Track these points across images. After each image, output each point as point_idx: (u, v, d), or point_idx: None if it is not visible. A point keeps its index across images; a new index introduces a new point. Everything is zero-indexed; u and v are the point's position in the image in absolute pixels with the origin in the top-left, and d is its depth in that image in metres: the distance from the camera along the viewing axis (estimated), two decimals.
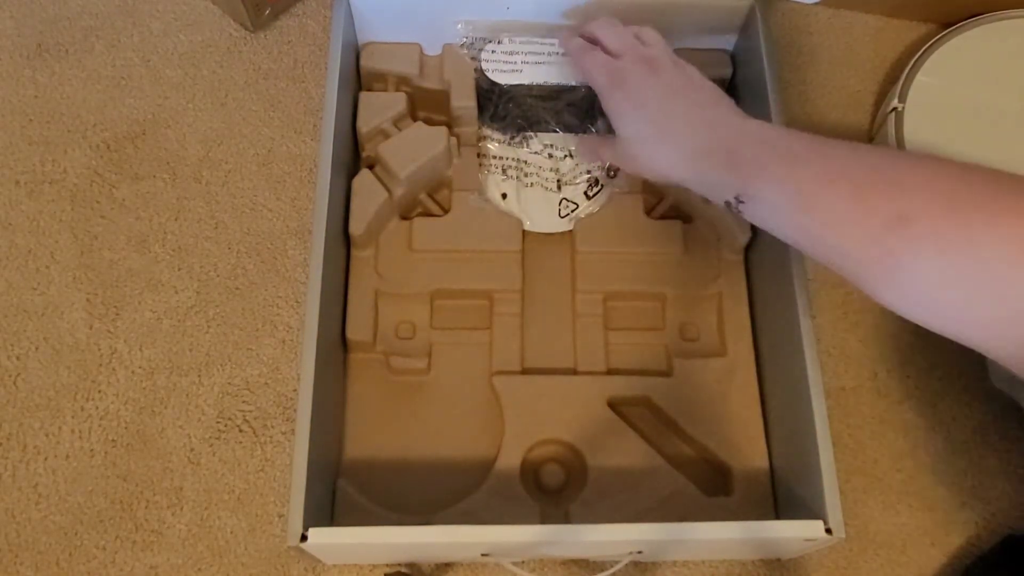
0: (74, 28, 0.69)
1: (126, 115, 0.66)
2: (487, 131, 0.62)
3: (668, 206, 0.61)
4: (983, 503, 0.57)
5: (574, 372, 0.56)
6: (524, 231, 0.59)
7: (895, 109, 0.62)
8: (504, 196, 0.60)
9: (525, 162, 0.61)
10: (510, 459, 0.53)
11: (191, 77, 0.67)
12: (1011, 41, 0.64)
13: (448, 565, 0.54)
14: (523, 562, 0.53)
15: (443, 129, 0.59)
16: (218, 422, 0.57)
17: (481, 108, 0.61)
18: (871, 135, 0.67)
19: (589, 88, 0.55)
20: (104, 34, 0.68)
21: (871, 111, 0.68)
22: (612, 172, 0.61)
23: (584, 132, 0.61)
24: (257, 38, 0.69)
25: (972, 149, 0.61)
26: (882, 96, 0.68)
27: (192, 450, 0.56)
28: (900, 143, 0.61)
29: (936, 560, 0.55)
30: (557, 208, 0.59)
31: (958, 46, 0.64)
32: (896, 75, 0.65)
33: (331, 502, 0.52)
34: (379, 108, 0.60)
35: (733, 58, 0.64)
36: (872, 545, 0.55)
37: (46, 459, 0.55)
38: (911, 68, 0.63)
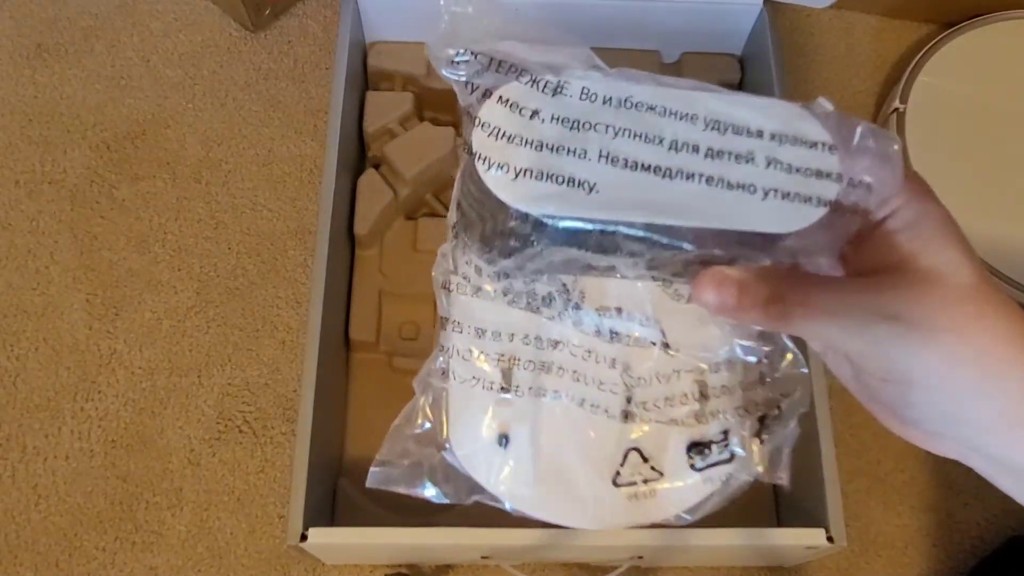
0: (74, 28, 0.68)
1: (126, 115, 0.65)
2: (475, 262, 0.29)
3: None
4: (986, 504, 0.56)
5: None
6: None
7: (896, 110, 0.62)
8: (503, 440, 0.30)
9: (553, 345, 0.29)
10: None
11: (191, 77, 0.67)
12: (1013, 41, 0.64)
13: (448, 567, 0.54)
14: (523, 565, 0.53)
15: (450, 130, 0.59)
16: (218, 423, 0.56)
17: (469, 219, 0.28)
18: None
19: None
20: (104, 34, 0.68)
21: (872, 112, 0.68)
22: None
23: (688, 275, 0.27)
24: (257, 38, 0.69)
25: (974, 150, 0.61)
26: (883, 97, 0.68)
27: (192, 451, 0.56)
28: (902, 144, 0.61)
29: (938, 561, 0.55)
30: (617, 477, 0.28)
31: (960, 46, 0.64)
32: (897, 76, 0.65)
33: (331, 502, 0.52)
34: (386, 108, 0.60)
35: (741, 62, 0.64)
36: (874, 546, 0.55)
37: (46, 460, 0.55)
38: (913, 69, 0.63)
